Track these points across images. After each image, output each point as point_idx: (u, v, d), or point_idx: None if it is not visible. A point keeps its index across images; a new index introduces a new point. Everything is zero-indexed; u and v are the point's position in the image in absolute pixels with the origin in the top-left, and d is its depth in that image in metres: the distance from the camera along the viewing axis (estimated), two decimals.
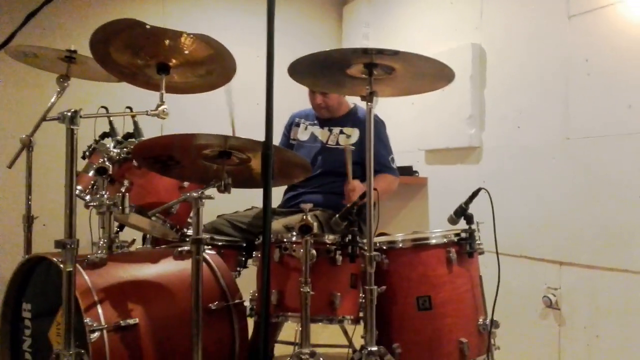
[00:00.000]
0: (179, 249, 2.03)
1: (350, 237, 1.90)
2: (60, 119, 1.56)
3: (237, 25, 4.03)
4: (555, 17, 2.83)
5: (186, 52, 1.89)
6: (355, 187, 2.43)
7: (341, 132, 2.80)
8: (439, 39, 3.57)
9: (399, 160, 3.63)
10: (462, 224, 2.07)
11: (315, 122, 2.90)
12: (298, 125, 2.96)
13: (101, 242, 1.95)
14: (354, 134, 2.78)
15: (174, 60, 1.93)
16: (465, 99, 3.24)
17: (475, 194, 2.05)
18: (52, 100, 2.30)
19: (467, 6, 3.37)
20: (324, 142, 2.81)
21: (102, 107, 2.42)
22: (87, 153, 2.44)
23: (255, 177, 2.09)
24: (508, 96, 3.09)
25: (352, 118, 2.83)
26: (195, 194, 1.70)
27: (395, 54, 1.68)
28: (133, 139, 2.30)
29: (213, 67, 2.01)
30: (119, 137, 2.39)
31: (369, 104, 1.81)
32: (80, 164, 2.30)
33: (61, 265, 1.58)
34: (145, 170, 2.13)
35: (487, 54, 3.25)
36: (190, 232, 2.29)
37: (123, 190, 2.07)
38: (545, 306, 2.77)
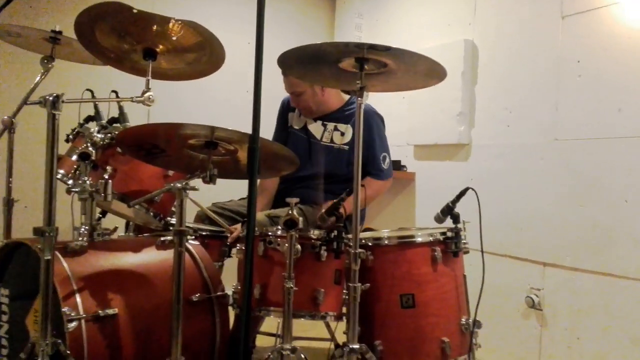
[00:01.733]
0: (162, 239, 2.00)
1: (335, 232, 1.88)
2: (42, 103, 1.52)
3: (228, 12, 3.98)
4: (548, 16, 2.82)
5: (174, 38, 1.84)
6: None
7: (335, 128, 2.74)
8: (432, 33, 3.55)
9: (391, 155, 3.64)
10: (449, 222, 2.06)
11: (312, 118, 2.84)
12: (294, 110, 2.87)
13: (82, 229, 1.92)
14: (348, 131, 2.72)
15: (161, 47, 1.88)
16: (456, 95, 3.23)
17: (462, 194, 2.04)
18: (36, 81, 2.24)
19: (461, 2, 3.35)
20: (319, 139, 2.75)
21: (88, 89, 2.37)
22: (70, 136, 2.39)
23: (242, 169, 2.05)
24: (499, 94, 3.08)
25: (346, 114, 2.76)
26: (179, 185, 1.67)
27: (387, 49, 1.65)
28: (118, 124, 2.26)
29: (202, 54, 1.96)
30: (103, 122, 2.34)
31: (359, 99, 1.78)
32: (64, 147, 2.27)
33: (38, 252, 1.55)
34: (130, 157, 2.09)
35: (479, 51, 3.23)
36: (174, 220, 2.26)
37: (106, 177, 2.03)
38: (527, 306, 2.78)
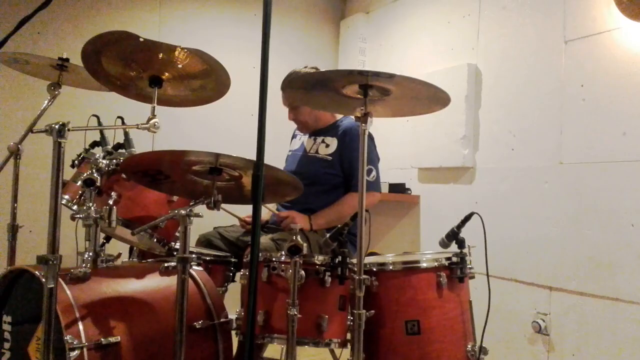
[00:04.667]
0: (165, 265, 1.99)
1: (340, 258, 1.87)
2: (48, 131, 1.53)
3: (233, 36, 4.02)
4: (551, 41, 2.84)
5: (180, 66, 1.86)
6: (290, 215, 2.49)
7: (323, 141, 2.78)
8: (436, 57, 3.57)
9: (392, 177, 3.64)
10: (454, 247, 2.05)
11: (307, 132, 2.89)
12: (295, 136, 2.97)
13: (86, 256, 1.91)
14: (333, 143, 2.74)
15: (167, 74, 1.90)
16: (460, 118, 3.24)
17: (467, 218, 2.03)
18: (42, 107, 2.26)
19: (465, 26, 3.38)
20: (307, 151, 2.80)
21: (94, 115, 2.40)
22: (76, 162, 2.41)
23: (246, 194, 2.06)
24: (503, 118, 3.09)
25: (334, 129, 2.79)
26: (183, 211, 1.67)
27: (391, 77, 1.66)
28: (123, 150, 2.27)
29: (207, 81, 1.98)
30: (109, 147, 2.36)
31: (363, 125, 1.79)
32: (70, 172, 2.28)
33: (42, 279, 1.54)
34: (134, 183, 2.09)
35: (483, 75, 3.25)
36: (178, 246, 2.26)
37: (111, 203, 2.03)
38: (534, 331, 2.75)
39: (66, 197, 2.29)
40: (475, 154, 3.23)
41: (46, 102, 2.29)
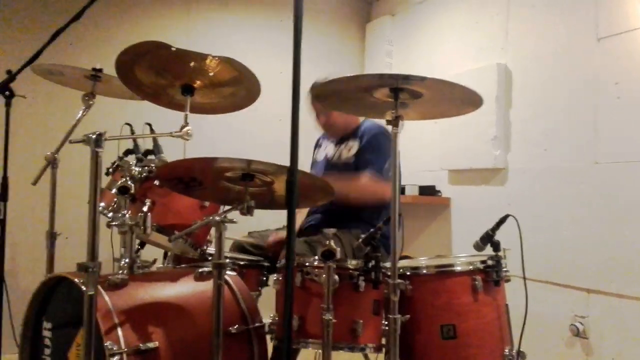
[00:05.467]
0: (200, 270, 2.01)
1: (373, 262, 1.86)
2: (85, 141, 1.56)
3: (260, 41, 4.06)
4: (583, 38, 2.78)
5: (211, 73, 1.88)
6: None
7: (346, 145, 2.75)
8: (464, 58, 3.54)
9: (422, 179, 3.62)
10: (488, 249, 2.02)
11: (333, 140, 2.87)
12: (320, 145, 2.95)
13: (122, 262, 1.95)
14: (354, 145, 2.72)
15: (198, 82, 1.92)
16: (490, 119, 3.20)
17: (502, 221, 2.00)
18: (77, 117, 2.31)
19: (493, 26, 3.34)
20: (331, 158, 2.79)
21: (126, 123, 2.44)
22: (110, 170, 2.45)
23: (278, 199, 2.06)
24: (535, 118, 3.04)
25: (357, 131, 2.76)
26: (217, 218, 1.68)
27: (422, 80, 1.65)
28: (153, 157, 2.30)
29: (237, 88, 2.00)
30: (140, 155, 2.40)
31: (394, 128, 1.78)
32: (104, 180, 2.32)
33: (83, 288, 1.57)
34: (167, 189, 2.12)
35: (512, 75, 3.20)
36: (210, 250, 2.28)
37: (145, 210, 2.06)
38: (572, 335, 2.69)
39: (102, 204, 2.33)
40: (507, 155, 3.18)
41: (81, 111, 2.34)
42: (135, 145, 2.49)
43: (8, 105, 2.45)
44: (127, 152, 2.51)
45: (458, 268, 1.93)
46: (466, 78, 3.30)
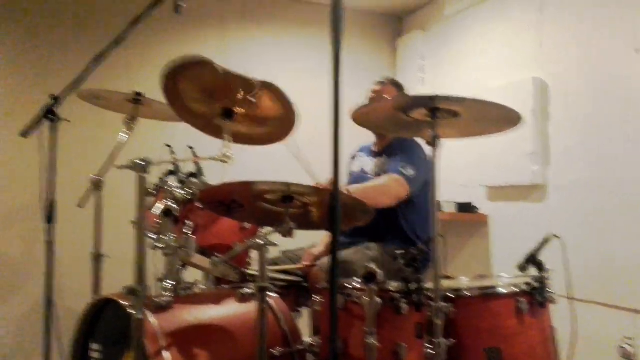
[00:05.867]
0: (242, 292, 2.03)
1: (415, 284, 1.85)
2: (132, 167, 1.60)
3: (295, 59, 4.10)
4: (621, 50, 2.74)
5: (253, 100, 1.91)
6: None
7: (383, 163, 2.75)
8: (498, 72, 3.50)
9: (459, 196, 3.58)
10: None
11: (369, 154, 2.88)
12: (354, 158, 2.97)
13: (167, 284, 1.97)
14: (384, 161, 2.74)
15: (239, 108, 1.95)
16: (527, 134, 3.15)
17: (545, 242, 1.96)
18: (120, 140, 2.37)
19: (526, 39, 3.30)
20: (367, 172, 2.79)
21: (167, 145, 2.49)
22: (153, 191, 2.50)
23: (316, 220, 2.08)
24: (574, 131, 2.99)
25: (396, 146, 2.76)
26: (260, 241, 1.70)
27: (460, 100, 1.64)
28: (195, 179, 2.34)
29: (276, 118, 2.03)
30: (182, 176, 2.44)
31: (433, 149, 1.78)
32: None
33: (130, 311, 1.61)
34: (208, 212, 2.15)
35: (549, 88, 3.16)
36: (251, 271, 2.30)
37: (188, 232, 2.10)
38: (621, 357, 2.61)
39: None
40: (547, 170, 3.13)
41: (124, 135, 2.41)
42: (177, 166, 2.54)
43: (54, 129, 2.52)
44: (169, 174, 2.57)
45: (502, 290, 1.90)
46: (501, 92, 3.28)
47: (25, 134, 2.48)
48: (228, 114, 1.97)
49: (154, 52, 3.68)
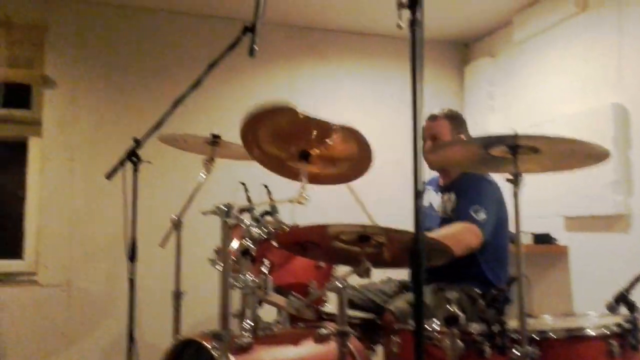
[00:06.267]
0: (320, 332, 2.03)
1: (498, 326, 1.79)
2: (216, 212, 1.66)
3: (364, 90, 4.14)
4: None
5: (329, 142, 1.93)
6: None
7: (449, 199, 2.68)
8: (573, 98, 3.39)
9: (536, 226, 3.45)
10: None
11: (437, 188, 2.81)
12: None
13: (246, 324, 2.00)
14: (452, 199, 2.65)
15: (316, 150, 1.98)
16: (608, 162, 3.01)
17: (637, 280, 1.86)
18: (199, 181, 2.46)
19: (604, 64, 3.19)
20: (434, 209, 2.72)
21: (241, 182, 2.55)
22: None
23: (392, 259, 2.06)
24: None
25: (464, 181, 2.67)
26: (339, 284, 1.70)
27: (544, 138, 1.60)
28: (270, 218, 2.38)
29: (350, 158, 2.05)
30: (256, 214, 2.49)
31: (514, 187, 1.73)
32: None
33: (213, 353, 1.64)
34: (283, 250, 2.18)
35: (630, 114, 3.02)
36: (326, 308, 2.31)
37: (265, 271, 2.13)
38: None
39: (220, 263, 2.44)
40: (630, 200, 2.98)
41: (203, 175, 2.50)
42: (250, 203, 2.60)
43: (136, 170, 2.65)
44: (243, 211, 2.63)
45: (591, 332, 1.81)
46: (578, 119, 3.18)
47: (109, 176, 2.62)
48: (304, 156, 2.00)
49: (227, 93, 3.81)
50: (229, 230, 1.67)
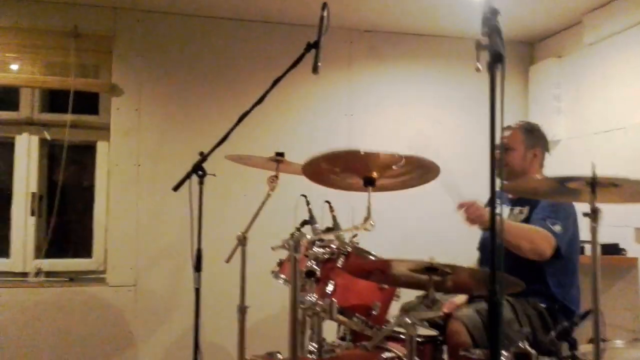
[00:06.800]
0: (384, 356, 2.04)
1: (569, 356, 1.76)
2: (285, 247, 1.68)
3: (421, 91, 4.09)
4: None
5: (395, 168, 1.92)
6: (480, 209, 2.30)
7: (520, 211, 2.60)
8: None
9: (603, 236, 3.30)
10: None
11: (506, 201, 2.73)
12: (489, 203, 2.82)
13: (311, 347, 2.04)
14: (525, 212, 2.57)
15: (380, 174, 1.97)
16: None
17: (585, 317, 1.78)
18: (263, 200, 2.50)
19: None
20: None
21: (302, 195, 2.57)
22: (290, 242, 2.60)
23: (458, 287, 2.05)
24: None
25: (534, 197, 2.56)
26: (408, 320, 1.70)
27: (627, 182, 1.54)
28: (332, 237, 2.39)
29: (417, 176, 2.03)
30: (317, 226, 2.51)
31: (593, 223, 1.68)
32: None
33: None
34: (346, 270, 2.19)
35: None
36: (390, 327, 2.30)
37: (329, 292, 2.15)
38: None
39: (282, 276, 2.48)
40: None
41: (266, 193, 2.53)
42: (312, 216, 2.62)
43: (201, 183, 2.71)
44: (304, 223, 2.65)
45: None
46: None
47: (176, 188, 2.69)
48: (369, 182, 1.99)
49: (287, 101, 3.80)
50: (297, 262, 1.69)
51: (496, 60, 1.35)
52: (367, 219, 1.99)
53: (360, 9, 3.69)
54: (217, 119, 3.49)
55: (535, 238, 2.37)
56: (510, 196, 2.74)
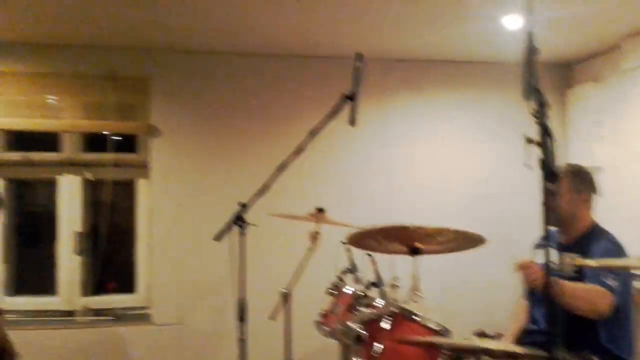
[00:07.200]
0: None
1: None
2: (335, 337, 1.69)
3: (458, 121, 4.06)
4: None
5: (440, 238, 1.93)
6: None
7: (571, 259, 2.53)
8: None
9: None
10: None
11: (557, 245, 2.65)
12: (540, 247, 2.74)
13: None
14: (575, 257, 2.48)
15: (426, 244, 1.98)
16: None
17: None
18: (305, 256, 2.53)
19: None
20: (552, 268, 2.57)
21: (343, 242, 2.59)
22: (332, 290, 2.63)
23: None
24: None
25: (586, 242, 2.51)
26: None
27: None
28: (375, 296, 2.39)
29: (464, 243, 2.03)
30: (359, 274, 2.52)
31: None
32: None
33: None
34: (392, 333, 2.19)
35: None
36: None
37: (376, 355, 2.15)
38: None
39: (326, 328, 2.51)
40: None
41: (309, 247, 2.56)
42: (353, 264, 2.64)
43: (242, 234, 2.74)
44: (347, 271, 2.67)
45: None
46: None
47: (218, 238, 2.73)
48: (415, 251, 2.00)
49: (328, 159, 3.81)
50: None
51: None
52: (413, 290, 2.00)
53: (390, 39, 3.64)
54: (257, 156, 3.55)
55: (592, 298, 2.30)
56: (561, 240, 2.66)
